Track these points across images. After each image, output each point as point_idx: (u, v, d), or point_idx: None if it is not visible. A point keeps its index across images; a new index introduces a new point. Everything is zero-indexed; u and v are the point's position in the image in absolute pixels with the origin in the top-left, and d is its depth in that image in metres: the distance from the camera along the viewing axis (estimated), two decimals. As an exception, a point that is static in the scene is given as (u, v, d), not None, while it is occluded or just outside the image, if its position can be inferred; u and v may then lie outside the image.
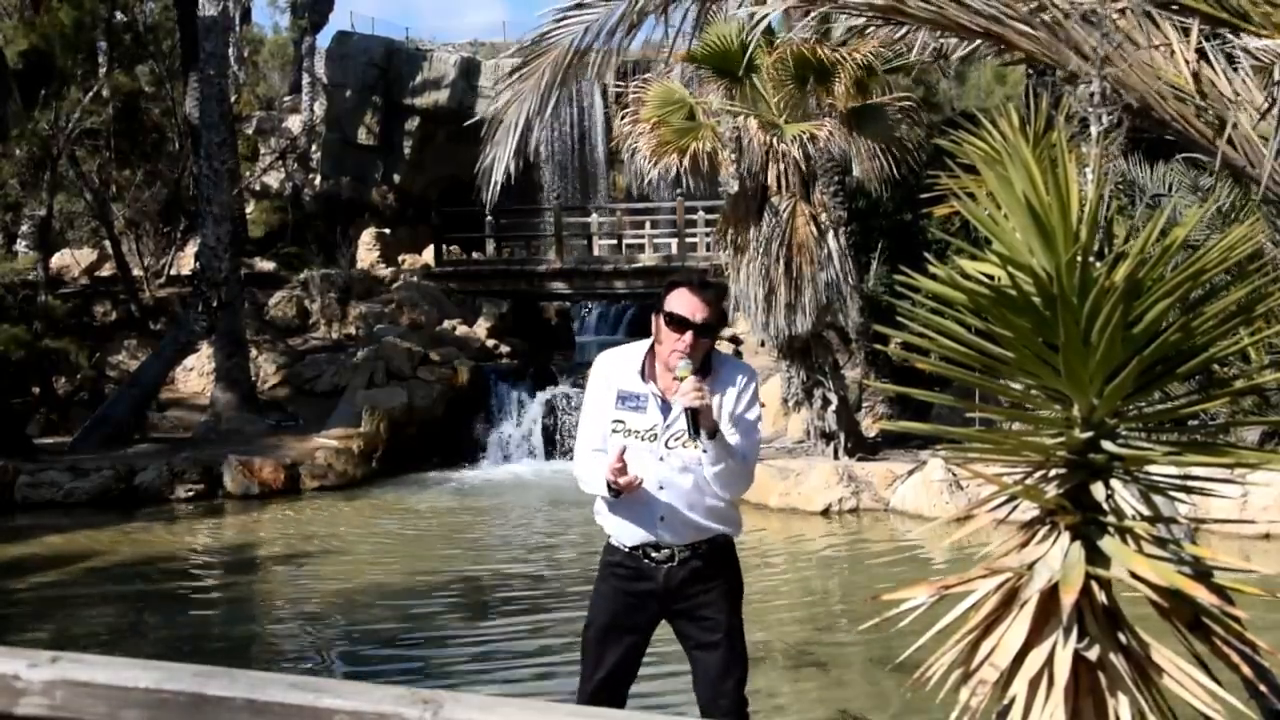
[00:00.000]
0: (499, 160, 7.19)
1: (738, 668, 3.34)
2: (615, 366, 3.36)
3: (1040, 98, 3.09)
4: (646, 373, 3.30)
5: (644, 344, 3.36)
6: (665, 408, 3.25)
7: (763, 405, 3.45)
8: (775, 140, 10.60)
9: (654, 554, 3.28)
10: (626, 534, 3.31)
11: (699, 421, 3.11)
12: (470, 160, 7.79)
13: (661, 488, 3.24)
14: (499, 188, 7.75)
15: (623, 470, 3.13)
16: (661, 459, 3.24)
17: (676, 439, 3.23)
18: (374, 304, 19.40)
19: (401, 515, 12.14)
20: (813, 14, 3.05)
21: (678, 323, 3.19)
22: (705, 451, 3.16)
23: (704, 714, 3.33)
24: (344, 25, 35.96)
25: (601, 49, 6.74)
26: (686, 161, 10.85)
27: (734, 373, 3.33)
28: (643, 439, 3.26)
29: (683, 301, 3.21)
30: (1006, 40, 2.83)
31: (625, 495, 3.21)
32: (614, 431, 3.27)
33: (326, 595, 8.43)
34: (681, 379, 3.10)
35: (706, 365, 3.27)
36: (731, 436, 3.21)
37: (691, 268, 19.20)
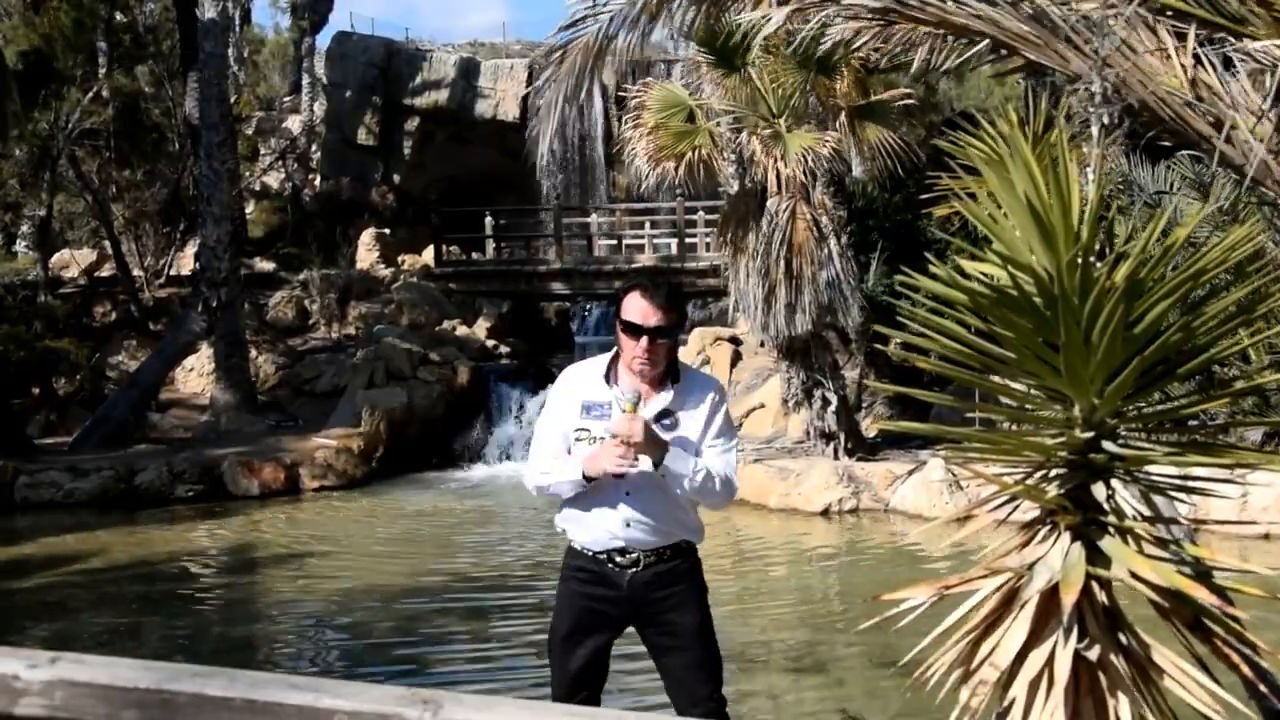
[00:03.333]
0: (543, 135, 9.03)
1: (710, 670, 3.29)
2: (579, 378, 3.33)
3: (1040, 98, 3.09)
4: (611, 379, 3.27)
5: (609, 355, 3.33)
6: None
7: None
8: (778, 159, 10.57)
9: (619, 559, 3.23)
10: (592, 539, 3.26)
11: (649, 454, 3.09)
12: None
13: (627, 494, 3.20)
14: (544, 158, 10.08)
15: (621, 449, 3.08)
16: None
17: None
18: (374, 304, 19.39)
19: (401, 515, 12.14)
20: (814, 22, 3.04)
21: (631, 329, 3.14)
22: (664, 477, 3.13)
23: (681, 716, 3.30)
24: (344, 25, 36.01)
25: (627, 38, 7.75)
26: (683, 169, 10.83)
27: (704, 390, 3.29)
28: None
29: (634, 307, 3.14)
30: (1006, 43, 2.83)
31: (591, 499, 3.21)
32: (578, 440, 3.24)
33: (326, 595, 8.43)
34: (625, 411, 3.08)
35: (675, 374, 3.25)
36: (710, 454, 3.20)
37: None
